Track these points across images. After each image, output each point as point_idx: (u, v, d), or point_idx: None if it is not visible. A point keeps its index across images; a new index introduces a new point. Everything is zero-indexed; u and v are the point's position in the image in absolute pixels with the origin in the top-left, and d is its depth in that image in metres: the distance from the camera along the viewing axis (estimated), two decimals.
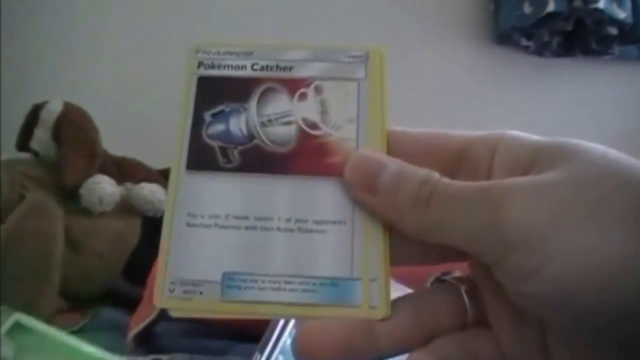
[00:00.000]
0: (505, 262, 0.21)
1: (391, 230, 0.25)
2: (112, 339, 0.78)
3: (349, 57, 0.28)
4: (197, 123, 0.27)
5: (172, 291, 0.24)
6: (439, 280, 0.27)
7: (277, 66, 0.28)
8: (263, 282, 0.24)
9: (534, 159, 0.23)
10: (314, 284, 0.24)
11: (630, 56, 1.55)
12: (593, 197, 0.21)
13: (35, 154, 1.04)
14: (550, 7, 1.40)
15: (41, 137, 1.03)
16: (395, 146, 0.26)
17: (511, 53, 1.56)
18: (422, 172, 0.24)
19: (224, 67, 0.28)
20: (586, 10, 1.40)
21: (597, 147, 0.23)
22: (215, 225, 0.25)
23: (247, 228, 0.25)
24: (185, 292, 0.24)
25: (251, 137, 0.27)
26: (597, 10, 1.38)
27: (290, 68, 0.28)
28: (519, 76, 1.58)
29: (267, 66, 0.28)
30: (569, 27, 1.46)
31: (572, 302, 0.20)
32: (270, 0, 1.55)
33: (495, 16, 1.54)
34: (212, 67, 0.28)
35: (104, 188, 0.98)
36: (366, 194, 0.25)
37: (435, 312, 0.25)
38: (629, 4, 1.42)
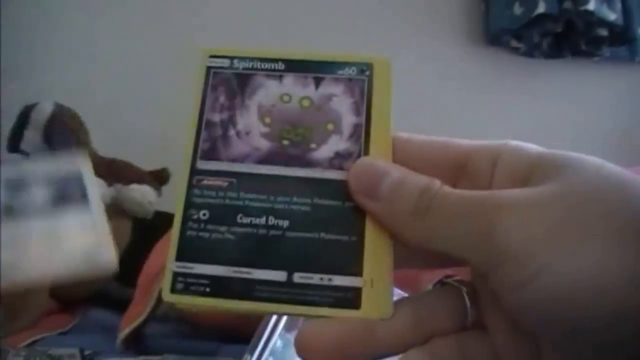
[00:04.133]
0: (497, 273, 0.22)
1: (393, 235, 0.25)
2: (102, 340, 0.77)
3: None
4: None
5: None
6: (441, 282, 0.27)
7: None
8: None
9: (531, 172, 0.24)
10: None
11: (620, 57, 1.55)
12: (585, 214, 0.21)
13: (26, 155, 1.04)
14: (541, 9, 1.41)
15: (32, 139, 1.02)
16: (399, 153, 0.26)
17: (501, 54, 1.57)
18: (423, 180, 0.24)
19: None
20: (576, 11, 1.41)
21: (591, 161, 0.23)
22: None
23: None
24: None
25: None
26: (587, 11, 1.39)
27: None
28: (509, 77, 1.59)
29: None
30: (559, 29, 1.47)
31: (561, 316, 0.21)
32: (262, 2, 1.55)
33: (486, 17, 1.55)
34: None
35: None
36: (368, 199, 0.25)
37: (435, 314, 0.25)
38: (619, 6, 1.43)
